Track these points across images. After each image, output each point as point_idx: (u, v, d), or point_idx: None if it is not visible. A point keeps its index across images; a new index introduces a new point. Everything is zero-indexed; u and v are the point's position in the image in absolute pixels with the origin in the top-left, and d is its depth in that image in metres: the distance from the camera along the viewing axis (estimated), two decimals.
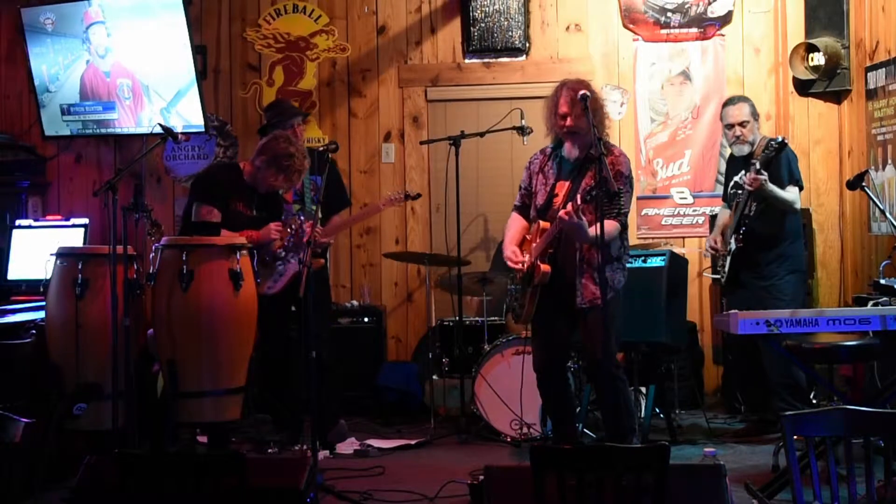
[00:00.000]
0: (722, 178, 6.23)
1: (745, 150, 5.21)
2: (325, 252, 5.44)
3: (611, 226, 4.14)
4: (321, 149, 5.02)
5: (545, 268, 4.30)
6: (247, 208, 4.89)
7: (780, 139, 4.92)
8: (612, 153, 4.33)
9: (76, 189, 6.83)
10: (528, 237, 4.52)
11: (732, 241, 5.15)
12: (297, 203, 5.27)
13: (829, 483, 2.51)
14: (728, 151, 6.03)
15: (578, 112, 4.24)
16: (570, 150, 4.41)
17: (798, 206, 5.16)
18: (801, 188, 5.21)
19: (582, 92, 4.18)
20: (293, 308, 5.07)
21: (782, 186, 5.03)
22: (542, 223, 4.36)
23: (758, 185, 4.87)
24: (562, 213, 4.13)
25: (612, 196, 4.13)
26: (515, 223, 4.60)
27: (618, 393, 4.32)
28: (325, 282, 5.53)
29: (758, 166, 4.90)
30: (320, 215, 4.81)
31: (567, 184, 4.37)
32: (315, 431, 4.41)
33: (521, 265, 4.41)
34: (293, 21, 6.69)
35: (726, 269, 5.23)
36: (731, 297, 5.34)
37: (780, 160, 4.99)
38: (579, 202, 4.05)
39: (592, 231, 4.08)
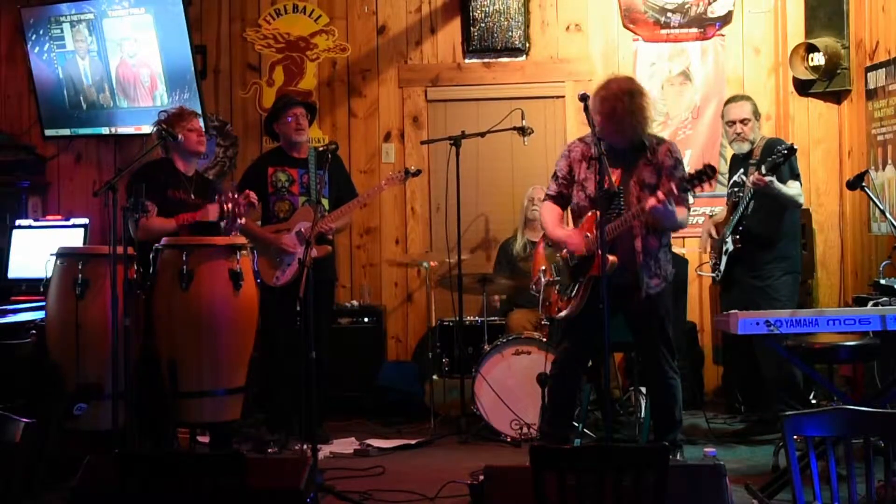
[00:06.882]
0: (722, 179, 6.24)
1: (745, 147, 5.23)
2: (331, 240, 5.44)
3: (683, 212, 4.28)
4: (321, 149, 5.15)
5: (612, 258, 4.12)
6: (185, 195, 4.85)
7: (789, 145, 4.89)
8: (664, 144, 4.38)
9: (76, 189, 6.83)
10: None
11: (729, 240, 5.16)
12: (303, 195, 5.30)
13: (829, 483, 2.51)
14: (728, 152, 6.04)
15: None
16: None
17: (802, 199, 5.16)
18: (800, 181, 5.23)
19: (581, 92, 4.19)
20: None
21: (783, 182, 5.04)
22: (597, 213, 4.12)
23: (763, 184, 4.86)
24: (651, 201, 4.07)
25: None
26: (553, 212, 4.49)
27: (676, 388, 4.38)
28: (331, 275, 5.51)
29: (763, 170, 4.88)
30: (328, 208, 5.07)
31: (618, 171, 4.29)
32: (304, 429, 4.42)
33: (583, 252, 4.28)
34: (293, 21, 6.69)
35: (721, 267, 5.25)
36: (725, 295, 5.36)
37: None
38: (675, 190, 4.03)
39: (680, 216, 4.21)
